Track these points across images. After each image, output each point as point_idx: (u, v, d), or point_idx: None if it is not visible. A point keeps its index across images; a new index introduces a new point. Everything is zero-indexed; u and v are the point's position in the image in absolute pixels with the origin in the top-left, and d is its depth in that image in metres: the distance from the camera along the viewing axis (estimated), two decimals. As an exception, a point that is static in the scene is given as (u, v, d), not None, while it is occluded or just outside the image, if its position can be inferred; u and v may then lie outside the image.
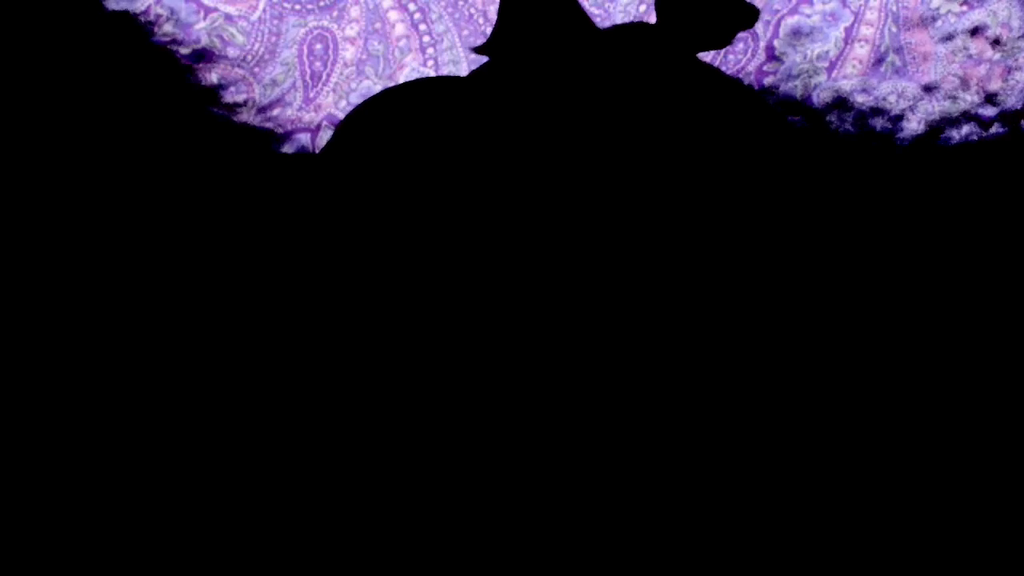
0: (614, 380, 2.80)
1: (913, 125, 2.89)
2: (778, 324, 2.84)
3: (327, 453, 2.79)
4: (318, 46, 2.99)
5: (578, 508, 2.80)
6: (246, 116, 2.86)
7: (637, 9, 3.03)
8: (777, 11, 3.00)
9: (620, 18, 3.03)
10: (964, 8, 2.98)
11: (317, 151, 2.91)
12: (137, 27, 2.77)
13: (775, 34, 2.98)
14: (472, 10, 3.04)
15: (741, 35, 2.96)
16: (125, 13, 2.78)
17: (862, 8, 3.01)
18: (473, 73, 2.94)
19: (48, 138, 2.80)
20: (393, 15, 3.02)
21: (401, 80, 2.99)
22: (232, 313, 2.82)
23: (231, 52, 2.87)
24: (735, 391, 2.81)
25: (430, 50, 3.02)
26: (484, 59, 2.93)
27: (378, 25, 3.01)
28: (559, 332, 2.80)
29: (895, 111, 2.87)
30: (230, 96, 2.86)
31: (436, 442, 2.79)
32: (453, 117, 2.86)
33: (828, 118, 2.88)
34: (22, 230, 2.81)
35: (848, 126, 2.87)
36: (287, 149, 2.94)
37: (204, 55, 2.83)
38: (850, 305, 2.87)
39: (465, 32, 3.03)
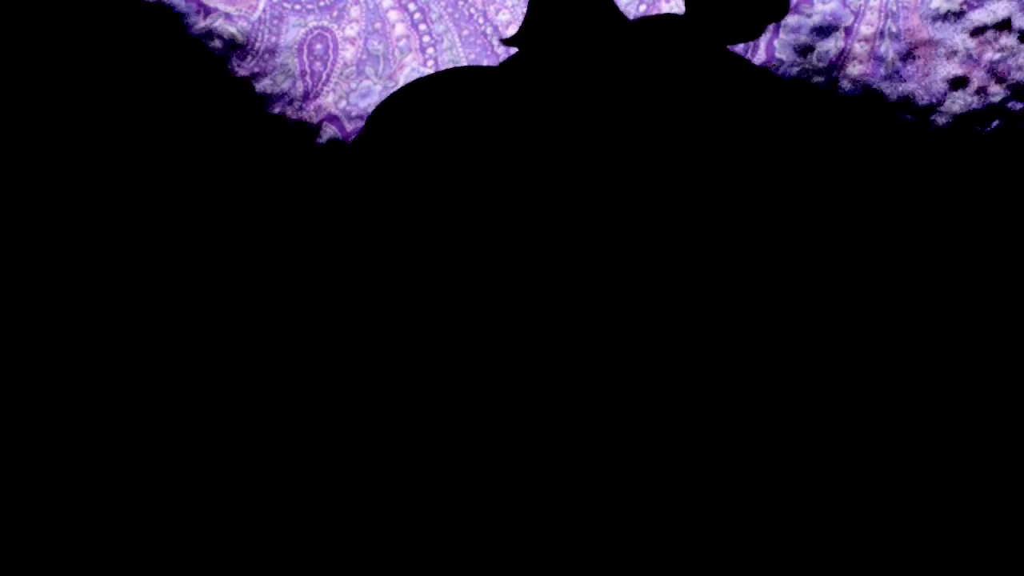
0: (640, 375, 2.81)
1: (942, 120, 2.89)
2: (806, 317, 2.84)
3: (350, 445, 2.80)
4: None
5: (578, 508, 2.79)
6: (279, 107, 2.86)
7: (637, 8, 3.02)
8: (638, 7, 3.00)
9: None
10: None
11: (349, 142, 2.92)
12: (173, 19, 2.79)
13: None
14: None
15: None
16: (160, 5, 2.80)
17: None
18: (504, 63, 2.93)
19: (83, 130, 2.83)
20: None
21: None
22: (266, 304, 2.84)
23: (487, 29, 2.89)
24: (760, 385, 2.81)
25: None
26: (514, 50, 2.93)
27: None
28: (600, 325, 2.80)
29: (922, 103, 2.87)
30: (263, 87, 2.88)
31: (452, 437, 2.80)
32: (485, 107, 2.86)
33: (856, 111, 2.88)
34: (57, 221, 2.83)
35: (876, 120, 2.86)
36: (320, 140, 2.94)
37: (238, 47, 2.84)
38: (877, 299, 2.87)
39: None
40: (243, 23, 2.94)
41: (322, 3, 3.00)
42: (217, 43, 2.89)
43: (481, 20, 3.04)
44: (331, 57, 2.99)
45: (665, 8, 3.03)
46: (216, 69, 2.85)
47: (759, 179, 2.85)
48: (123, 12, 2.80)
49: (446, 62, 3.01)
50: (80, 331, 2.83)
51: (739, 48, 2.96)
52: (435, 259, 2.81)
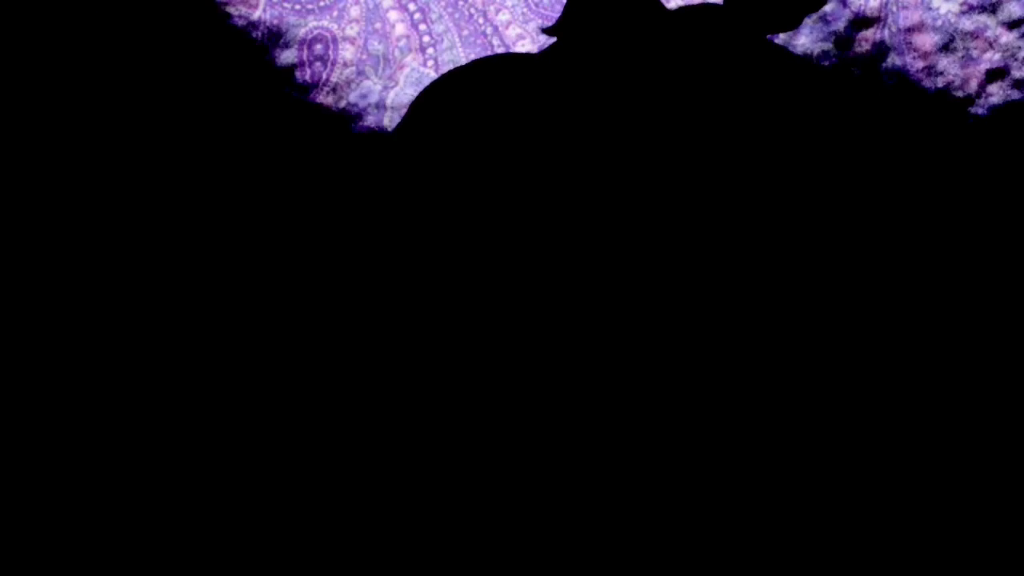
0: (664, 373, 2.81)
1: (980, 111, 2.88)
2: (838, 308, 2.84)
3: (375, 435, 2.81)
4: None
5: (578, 508, 2.79)
6: (320, 96, 2.87)
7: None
8: None
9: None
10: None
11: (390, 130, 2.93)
12: (214, 8, 2.81)
13: (814, 24, 2.97)
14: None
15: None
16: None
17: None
18: (543, 52, 2.93)
19: (126, 118, 2.85)
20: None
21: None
22: (304, 293, 2.85)
23: (487, 29, 2.90)
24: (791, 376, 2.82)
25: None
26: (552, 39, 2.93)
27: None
28: (640, 315, 2.81)
29: (960, 95, 2.86)
30: (303, 76, 2.89)
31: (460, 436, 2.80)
32: (525, 96, 2.86)
33: (894, 102, 2.87)
34: (103, 206, 2.85)
35: (915, 111, 2.86)
36: (360, 129, 2.94)
37: (278, 36, 2.85)
38: (910, 291, 2.86)
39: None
40: (243, 23, 2.95)
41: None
42: (259, 33, 2.90)
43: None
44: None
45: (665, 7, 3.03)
46: (257, 59, 2.87)
47: (797, 169, 2.85)
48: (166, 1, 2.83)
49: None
50: (105, 324, 2.84)
51: (778, 38, 2.95)
52: (471, 248, 2.81)
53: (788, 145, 2.86)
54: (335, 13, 3.00)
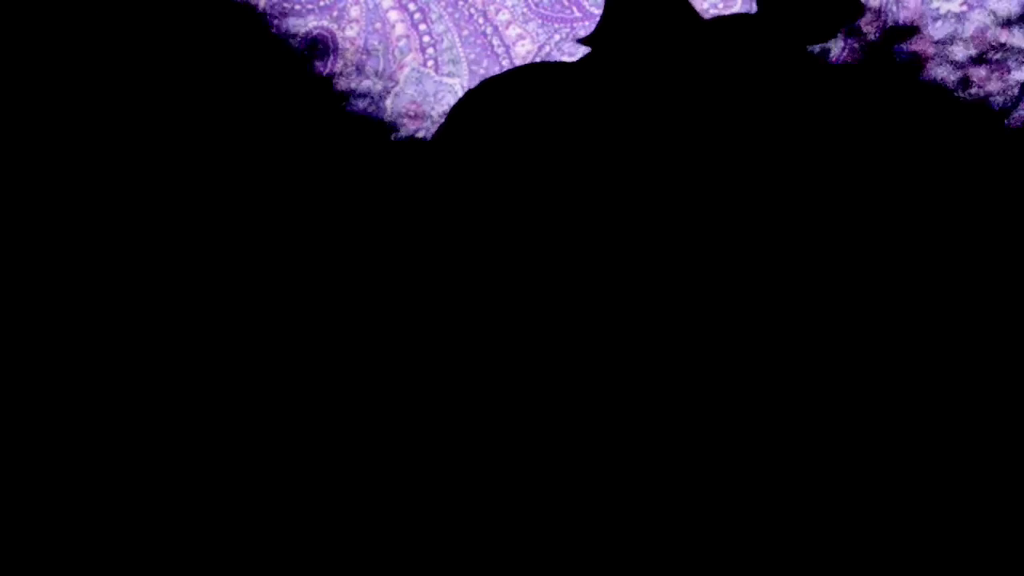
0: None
1: (1016, 122, 2.89)
2: (878, 307, 2.84)
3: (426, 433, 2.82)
4: (318, 46, 3.00)
5: (578, 508, 2.80)
6: (360, 104, 2.89)
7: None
8: (712, 6, 2.99)
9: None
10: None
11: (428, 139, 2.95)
12: (257, 18, 2.83)
13: (851, 35, 2.97)
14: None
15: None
16: (247, 5, 2.84)
17: (897, 19, 3.00)
18: (580, 60, 2.94)
19: (171, 123, 2.87)
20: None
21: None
22: (350, 293, 2.86)
23: (487, 29, 2.91)
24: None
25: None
26: (587, 49, 2.94)
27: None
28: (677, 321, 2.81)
29: (996, 106, 2.87)
30: (343, 84, 2.90)
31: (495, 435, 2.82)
32: (561, 104, 2.87)
33: (930, 113, 2.87)
34: (143, 211, 2.87)
35: (951, 122, 2.86)
36: (398, 137, 2.95)
37: (317, 45, 2.87)
38: (942, 294, 2.86)
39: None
40: (327, 21, 2.97)
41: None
42: (298, 42, 2.91)
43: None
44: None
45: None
46: (298, 68, 2.89)
47: (832, 176, 2.85)
48: (210, 11, 2.84)
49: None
50: (156, 317, 2.86)
51: (813, 48, 2.95)
52: (509, 250, 2.82)
53: (823, 153, 2.86)
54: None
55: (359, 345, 2.86)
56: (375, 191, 2.90)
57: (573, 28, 3.04)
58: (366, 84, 3.00)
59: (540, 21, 3.05)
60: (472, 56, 3.02)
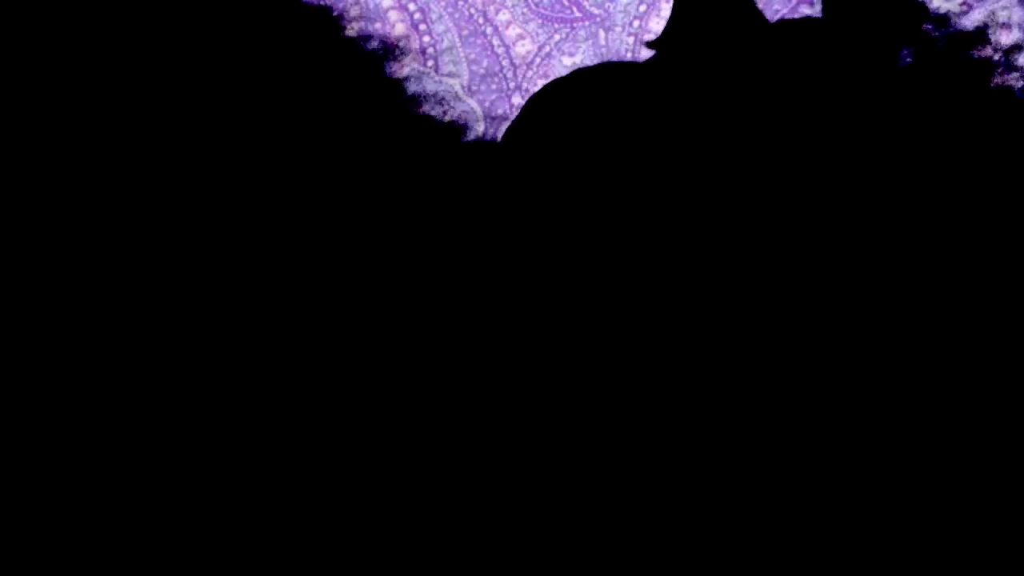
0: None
1: None
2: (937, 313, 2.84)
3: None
4: (392, 48, 3.00)
5: (578, 508, 2.80)
6: (429, 108, 2.90)
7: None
8: (777, 11, 3.00)
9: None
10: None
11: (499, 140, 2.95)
12: (332, 21, 2.84)
13: (915, 41, 2.96)
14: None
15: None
16: (322, 8, 2.85)
17: (962, 25, 2.99)
18: (648, 61, 2.93)
19: (245, 126, 2.88)
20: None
21: (466, 77, 3.00)
22: (420, 294, 2.87)
23: (415, 44, 2.92)
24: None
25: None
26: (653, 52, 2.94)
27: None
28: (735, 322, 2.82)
29: None
30: (413, 87, 2.91)
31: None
32: (628, 105, 2.87)
33: (996, 120, 2.87)
34: (219, 210, 2.88)
35: (1017, 129, 2.86)
36: (468, 138, 2.95)
37: (391, 49, 2.88)
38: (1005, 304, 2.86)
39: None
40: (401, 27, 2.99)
41: (322, 3, 3.00)
42: (374, 44, 2.91)
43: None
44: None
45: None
46: (372, 70, 2.90)
47: (897, 183, 2.85)
48: (287, 14, 2.86)
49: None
50: (212, 311, 2.86)
51: (878, 53, 2.94)
52: (582, 251, 2.82)
53: (887, 159, 2.85)
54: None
55: (424, 346, 2.87)
56: (447, 192, 2.91)
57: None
58: (436, 86, 3.00)
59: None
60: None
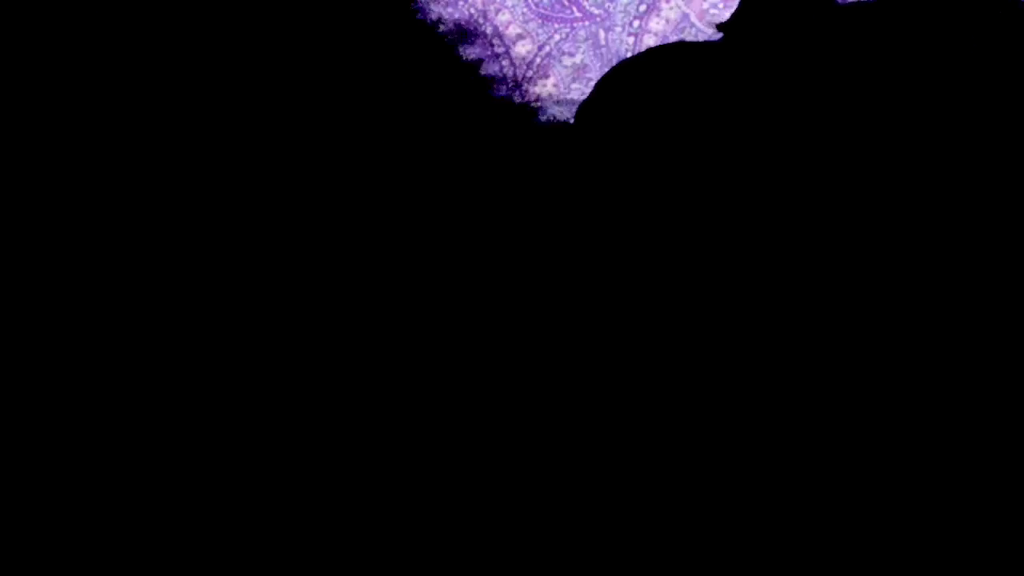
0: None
1: None
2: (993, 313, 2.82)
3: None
4: (466, 32, 2.99)
5: (578, 508, 2.80)
6: (503, 91, 2.89)
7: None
8: None
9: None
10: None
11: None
12: (406, 4, 2.83)
13: (987, 28, 2.93)
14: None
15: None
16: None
17: None
18: (715, 43, 2.92)
19: (319, 111, 2.86)
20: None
21: (537, 64, 3.00)
22: (502, 274, 2.85)
23: (488, 29, 2.92)
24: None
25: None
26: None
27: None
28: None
29: None
30: (487, 70, 2.90)
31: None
32: (695, 87, 2.85)
33: None
34: (298, 186, 2.86)
35: None
36: (542, 120, 2.94)
37: (465, 32, 2.87)
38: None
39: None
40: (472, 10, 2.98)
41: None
42: (448, 28, 2.90)
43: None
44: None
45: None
46: (446, 54, 2.89)
47: (966, 165, 2.81)
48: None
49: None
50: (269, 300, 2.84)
51: (950, 35, 2.90)
52: (648, 234, 2.80)
53: (956, 142, 2.82)
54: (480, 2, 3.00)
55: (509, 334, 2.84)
56: (522, 172, 2.88)
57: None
58: (510, 69, 3.00)
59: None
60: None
